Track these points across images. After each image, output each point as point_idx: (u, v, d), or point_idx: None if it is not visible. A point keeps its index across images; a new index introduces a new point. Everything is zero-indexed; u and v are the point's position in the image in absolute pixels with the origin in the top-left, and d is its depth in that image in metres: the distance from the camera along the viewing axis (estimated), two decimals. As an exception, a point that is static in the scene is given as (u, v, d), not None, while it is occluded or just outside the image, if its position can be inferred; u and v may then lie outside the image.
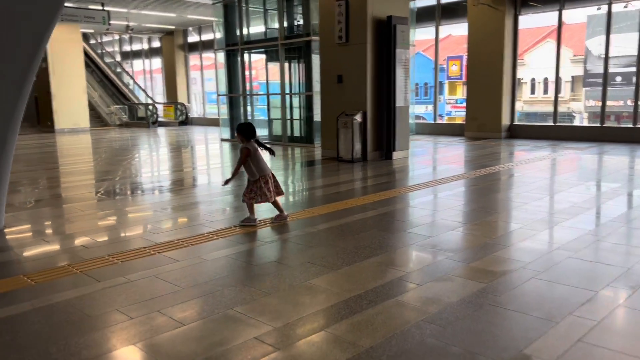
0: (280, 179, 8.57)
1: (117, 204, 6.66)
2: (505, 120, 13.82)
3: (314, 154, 11.31)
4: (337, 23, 10.08)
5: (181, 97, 24.24)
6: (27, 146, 14.66)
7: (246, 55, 14.73)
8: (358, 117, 9.87)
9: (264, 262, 4.07)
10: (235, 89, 14.99)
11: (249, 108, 14.90)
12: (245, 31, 14.66)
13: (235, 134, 5.16)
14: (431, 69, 16.24)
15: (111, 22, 18.35)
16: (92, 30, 23.14)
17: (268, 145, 5.24)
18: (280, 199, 5.43)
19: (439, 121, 16.16)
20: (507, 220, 5.34)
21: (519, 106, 14.52)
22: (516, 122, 14.04)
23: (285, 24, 13.51)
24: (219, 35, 15.53)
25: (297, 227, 5.13)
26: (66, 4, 16.35)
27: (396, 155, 10.16)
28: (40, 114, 21.18)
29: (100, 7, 16.84)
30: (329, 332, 2.86)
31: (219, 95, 16.11)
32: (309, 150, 12.17)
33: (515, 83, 13.89)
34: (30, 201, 6.85)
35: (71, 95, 20.09)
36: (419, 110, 18.66)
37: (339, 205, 6.04)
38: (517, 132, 13.83)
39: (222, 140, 15.23)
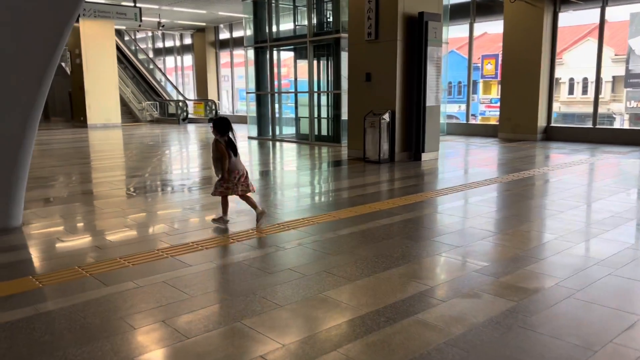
0: (305, 179, 8.41)
1: (140, 202, 6.57)
2: (542, 122, 13.29)
3: (341, 154, 11.07)
4: (366, 19, 9.81)
5: (211, 94, 24.32)
6: (59, 141, 14.86)
7: (275, 53, 14.59)
8: (386, 117, 9.59)
9: (278, 270, 3.87)
10: (264, 87, 14.87)
11: (276, 106, 14.75)
12: (274, 28, 14.51)
13: (211, 129, 5.00)
14: (465, 68, 15.78)
15: (143, 18, 18.52)
16: (124, 27, 23.40)
17: (234, 144, 4.96)
18: (298, 201, 5.21)
19: (471, 121, 15.70)
20: (541, 230, 5.00)
21: (555, 107, 13.94)
22: (553, 124, 13.48)
23: (314, 21, 13.30)
24: (248, 32, 15.43)
25: (317, 231, 4.91)
26: (99, 0, 16.53)
27: (425, 156, 9.83)
28: (74, 110, 21.57)
29: (132, 4, 16.96)
30: (341, 352, 2.63)
31: (247, 92, 16.01)
32: (335, 149, 11.93)
33: (553, 83, 13.35)
34: (54, 197, 6.83)
35: (103, 91, 20.35)
36: (452, 109, 18.22)
37: (363, 209, 5.79)
38: (553, 134, 13.29)
39: (249, 138, 15.13)
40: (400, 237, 4.69)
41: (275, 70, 14.64)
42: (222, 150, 4.83)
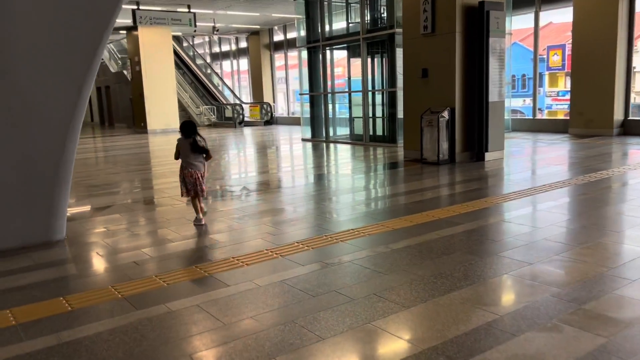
0: (357, 183, 7.93)
1: (190, 212, 6.34)
2: (618, 115, 12.17)
3: (397, 155, 10.54)
4: (422, 12, 9.24)
5: (267, 97, 24.30)
6: (120, 147, 15.17)
7: (328, 52, 14.21)
8: (445, 114, 8.98)
9: (323, 292, 3.46)
10: (317, 87, 14.53)
11: (330, 106, 14.37)
12: (326, 27, 14.15)
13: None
14: (529, 60, 14.82)
15: (198, 23, 18.68)
16: (180, 33, 23.76)
17: (201, 146, 5.36)
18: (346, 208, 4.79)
19: (538, 116, 14.68)
20: (629, 243, 4.32)
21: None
22: (631, 117, 12.32)
23: (367, 17, 12.82)
24: (301, 32, 15.16)
25: (369, 245, 4.47)
26: (154, 8, 16.78)
27: (489, 156, 9.14)
28: (135, 116, 22.12)
29: (186, 10, 17.10)
30: (391, 405, 2.19)
31: (300, 94, 15.75)
32: (391, 150, 11.40)
33: (630, 73, 12.19)
34: (104, 207, 6.74)
35: (162, 97, 20.72)
36: (516, 104, 17.29)
37: (419, 218, 5.29)
38: (632, 128, 12.14)
39: (303, 140, 14.84)
40: (462, 252, 4.16)
41: (328, 70, 14.26)
42: (177, 148, 5.41)
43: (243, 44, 25.96)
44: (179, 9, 17.24)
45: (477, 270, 3.75)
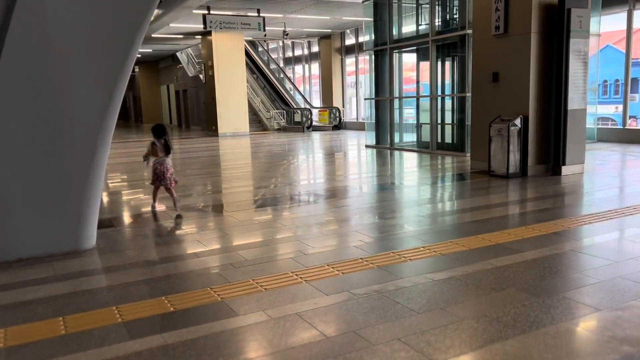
0: (414, 198, 7.22)
1: (233, 222, 6.06)
2: None
3: (463, 166, 9.77)
4: (494, 11, 8.46)
5: (337, 101, 23.98)
6: (188, 150, 15.38)
7: (395, 55, 13.60)
8: (517, 123, 8.15)
9: (339, 332, 2.96)
10: (383, 92, 13.95)
11: (395, 112, 13.74)
12: (394, 29, 13.56)
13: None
14: (624, 64, 13.42)
15: (270, 28, 18.66)
16: (251, 37, 23.94)
17: (169, 146, 6.22)
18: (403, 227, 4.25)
19: (632, 125, 13.23)
20: None
21: None
22: None
23: (438, 19, 12.10)
24: (369, 35, 14.66)
25: (407, 273, 3.91)
26: (223, 12, 16.94)
27: (566, 170, 8.19)
28: (207, 119, 22.55)
29: (256, 14, 17.12)
30: None
31: (365, 99, 15.26)
32: (459, 160, 10.62)
33: None
34: (148, 212, 6.61)
35: (233, 101, 20.95)
36: (607, 110, 15.85)
37: (474, 242, 4.64)
38: None
39: (367, 146, 14.30)
40: (516, 289, 3.51)
41: (395, 73, 13.64)
42: (151, 150, 6.18)
43: (315, 49, 25.81)
44: (249, 13, 17.30)
45: (530, 314, 3.10)
